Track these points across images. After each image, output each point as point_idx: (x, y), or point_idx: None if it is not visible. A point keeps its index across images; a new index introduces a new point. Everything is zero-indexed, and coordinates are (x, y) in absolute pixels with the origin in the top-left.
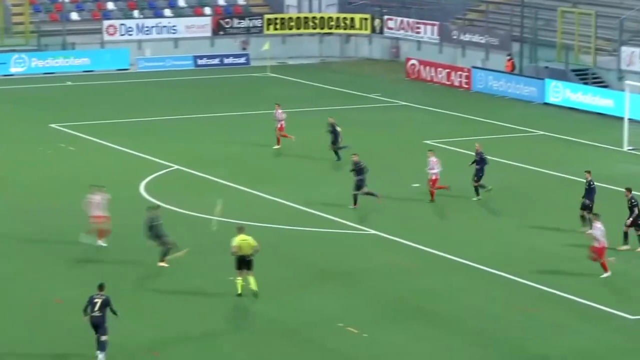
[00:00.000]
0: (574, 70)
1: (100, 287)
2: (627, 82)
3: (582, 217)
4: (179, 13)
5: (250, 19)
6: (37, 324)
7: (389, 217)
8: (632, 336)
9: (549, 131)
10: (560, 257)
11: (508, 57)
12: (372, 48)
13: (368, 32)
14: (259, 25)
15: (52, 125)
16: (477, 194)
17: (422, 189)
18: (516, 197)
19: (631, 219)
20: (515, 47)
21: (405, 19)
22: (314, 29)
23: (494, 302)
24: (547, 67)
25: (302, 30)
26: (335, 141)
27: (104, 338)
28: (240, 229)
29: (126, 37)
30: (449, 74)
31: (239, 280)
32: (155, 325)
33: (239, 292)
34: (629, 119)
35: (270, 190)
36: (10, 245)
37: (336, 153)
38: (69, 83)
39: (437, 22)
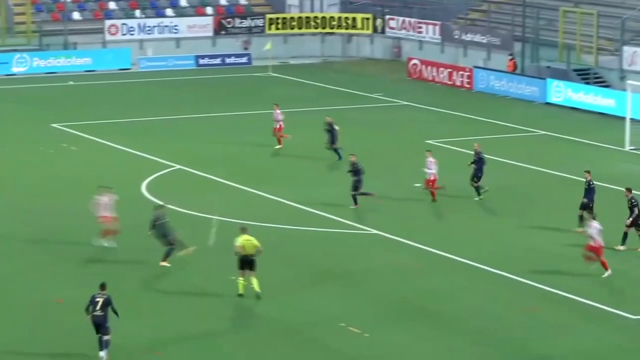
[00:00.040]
0: (575, 70)
1: (102, 287)
2: (629, 81)
3: (581, 217)
4: (180, 13)
5: (252, 19)
6: (38, 323)
7: (390, 217)
8: (634, 336)
9: (550, 131)
10: (561, 256)
11: (510, 57)
12: (374, 48)
13: (370, 31)
14: (261, 25)
15: (54, 125)
16: (479, 193)
17: (423, 189)
18: (518, 197)
19: (631, 219)
20: (517, 46)
21: (407, 19)
22: (316, 28)
23: (496, 302)
24: (548, 67)
25: (303, 30)
26: (333, 140)
27: (106, 338)
28: (244, 229)
29: (128, 37)
30: (450, 74)
31: (241, 280)
32: (156, 325)
33: (241, 292)
34: (631, 119)
35: (271, 190)
36: (11, 245)
37: (336, 152)
38: (71, 83)
39: (438, 22)
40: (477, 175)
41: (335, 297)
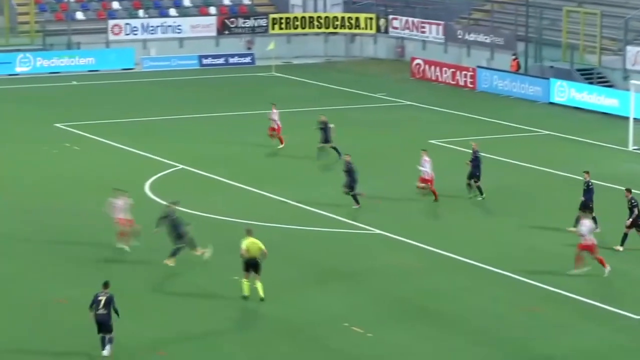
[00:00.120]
0: (579, 70)
1: (105, 285)
2: (633, 81)
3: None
4: (184, 12)
5: (255, 19)
6: (38, 323)
7: (393, 217)
8: (636, 336)
9: (554, 131)
10: (563, 256)
11: (513, 57)
12: (377, 48)
13: (373, 31)
14: (264, 24)
15: (57, 125)
16: (481, 193)
17: (427, 189)
18: (520, 197)
19: (631, 219)
20: (521, 46)
21: (410, 19)
22: (319, 28)
23: (498, 301)
24: (552, 67)
25: (307, 30)
26: (326, 139)
27: (110, 335)
28: (249, 232)
29: (131, 37)
30: (454, 74)
31: (246, 282)
32: (158, 325)
33: (246, 293)
34: (634, 119)
35: (274, 189)
36: (11, 245)
37: (336, 150)
38: (74, 83)
39: (442, 22)
40: (475, 174)
41: (338, 297)
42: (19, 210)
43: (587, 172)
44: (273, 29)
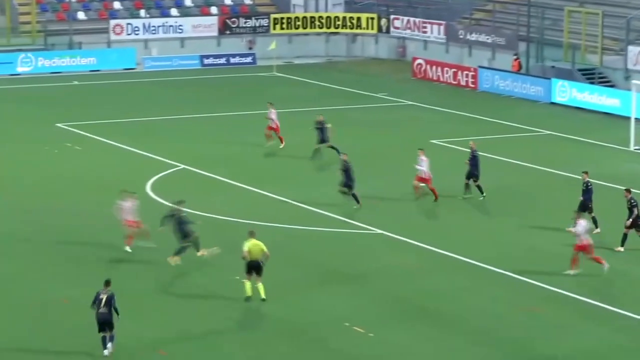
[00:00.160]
0: (580, 70)
1: (107, 283)
2: (634, 81)
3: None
4: (185, 12)
5: (256, 19)
6: (38, 323)
7: (393, 217)
8: (636, 336)
9: (555, 131)
10: (563, 256)
11: (514, 57)
12: (379, 47)
13: (374, 31)
14: (266, 24)
15: (59, 125)
16: (482, 192)
17: (425, 189)
18: (520, 197)
19: (630, 220)
20: (522, 46)
21: (412, 19)
22: (321, 28)
23: (497, 301)
24: (553, 67)
25: (308, 30)
26: (323, 139)
27: (111, 334)
28: (252, 234)
29: (133, 37)
30: (455, 74)
31: (248, 283)
32: (159, 325)
33: (248, 294)
34: (636, 119)
35: (276, 189)
36: (11, 244)
37: (335, 150)
38: (76, 82)
39: (443, 22)
40: (473, 174)
41: (340, 297)
42: (19, 210)
43: (586, 173)
44: (274, 29)
